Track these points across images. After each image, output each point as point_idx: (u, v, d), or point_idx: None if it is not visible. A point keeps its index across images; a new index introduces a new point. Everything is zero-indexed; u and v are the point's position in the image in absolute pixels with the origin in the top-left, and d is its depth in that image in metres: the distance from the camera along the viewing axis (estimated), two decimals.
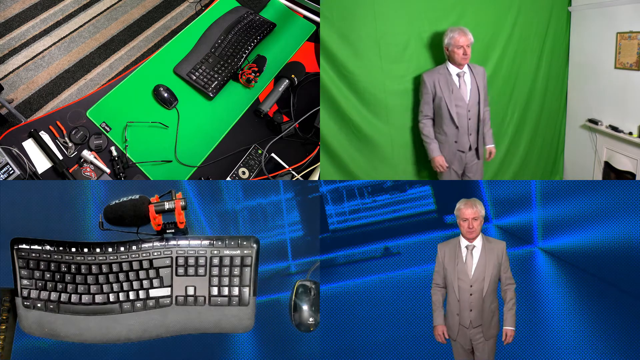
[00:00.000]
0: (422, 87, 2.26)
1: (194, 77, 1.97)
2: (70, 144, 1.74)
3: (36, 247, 1.23)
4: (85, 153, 1.72)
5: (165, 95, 1.89)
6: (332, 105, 2.28)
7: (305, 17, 2.32)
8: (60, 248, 1.23)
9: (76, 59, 3.52)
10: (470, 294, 1.50)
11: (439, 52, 2.42)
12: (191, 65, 2.00)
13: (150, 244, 1.24)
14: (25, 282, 1.23)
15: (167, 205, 1.20)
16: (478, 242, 1.55)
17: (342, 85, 2.29)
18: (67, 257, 1.22)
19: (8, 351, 1.22)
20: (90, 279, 1.22)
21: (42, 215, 1.56)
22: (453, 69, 2.24)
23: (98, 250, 1.23)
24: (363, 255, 4.01)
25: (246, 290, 1.25)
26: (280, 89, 2.00)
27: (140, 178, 1.75)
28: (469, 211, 1.52)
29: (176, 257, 1.24)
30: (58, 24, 3.69)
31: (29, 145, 1.72)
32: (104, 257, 1.23)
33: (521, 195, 3.09)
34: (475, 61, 2.67)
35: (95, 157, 1.73)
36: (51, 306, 1.22)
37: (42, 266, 1.22)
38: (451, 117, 2.21)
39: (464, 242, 1.56)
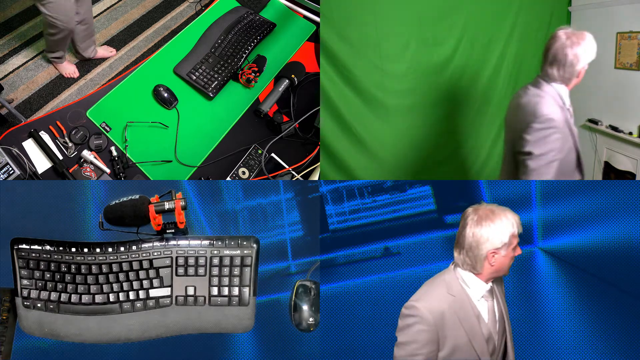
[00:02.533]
0: (551, 134, 1.46)
1: (194, 77, 1.97)
2: (70, 144, 1.74)
3: (36, 247, 1.23)
4: (85, 153, 1.72)
5: (165, 95, 1.89)
6: (332, 105, 2.28)
7: (305, 17, 2.32)
8: (60, 248, 1.23)
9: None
10: None
11: (439, 52, 2.42)
12: (191, 65, 2.00)
13: (150, 244, 1.24)
14: (25, 282, 1.23)
15: (167, 205, 1.20)
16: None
17: (342, 85, 2.30)
18: (67, 257, 1.22)
19: (8, 351, 1.22)
20: (90, 279, 1.22)
21: (42, 215, 1.56)
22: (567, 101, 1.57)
23: (98, 250, 1.23)
24: (363, 255, 4.01)
25: (246, 290, 1.25)
26: (280, 89, 2.00)
27: (140, 178, 1.75)
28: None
29: (176, 257, 1.24)
30: None
31: (29, 145, 1.72)
32: (104, 257, 1.23)
33: (521, 195, 3.09)
34: (476, 62, 2.67)
35: (95, 157, 1.73)
36: (51, 306, 1.22)
37: (42, 266, 1.22)
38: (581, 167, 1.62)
39: (478, 289, 1.08)
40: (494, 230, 1.01)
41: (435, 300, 1.04)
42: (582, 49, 1.49)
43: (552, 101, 1.51)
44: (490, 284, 1.09)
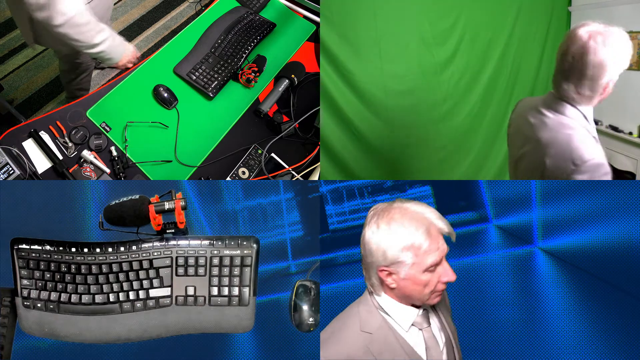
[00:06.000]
0: (601, 177, 1.25)
1: (194, 77, 1.97)
2: (70, 144, 1.74)
3: (36, 247, 1.23)
4: (85, 153, 1.72)
5: (165, 95, 1.89)
6: (332, 105, 2.28)
7: (305, 17, 2.32)
8: (60, 248, 1.23)
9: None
10: None
11: (439, 52, 2.42)
12: (191, 65, 2.00)
13: (150, 244, 1.24)
14: (25, 282, 1.23)
15: (167, 205, 1.20)
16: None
17: (342, 85, 2.30)
18: (67, 257, 1.22)
19: (8, 351, 1.22)
20: (90, 279, 1.22)
21: (42, 215, 1.56)
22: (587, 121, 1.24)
23: (98, 250, 1.23)
24: None
25: (246, 290, 1.25)
26: (280, 89, 2.00)
27: (140, 178, 1.75)
28: (442, 241, 0.80)
29: (176, 257, 1.24)
30: None
31: (29, 145, 1.72)
32: (104, 257, 1.23)
33: (521, 195, 3.09)
34: (476, 62, 2.67)
35: (95, 157, 1.73)
36: (51, 306, 1.22)
37: (42, 266, 1.22)
38: None
39: (406, 317, 0.84)
40: None
41: (344, 345, 0.83)
42: (611, 53, 1.13)
43: (586, 134, 1.17)
44: (420, 310, 0.85)
